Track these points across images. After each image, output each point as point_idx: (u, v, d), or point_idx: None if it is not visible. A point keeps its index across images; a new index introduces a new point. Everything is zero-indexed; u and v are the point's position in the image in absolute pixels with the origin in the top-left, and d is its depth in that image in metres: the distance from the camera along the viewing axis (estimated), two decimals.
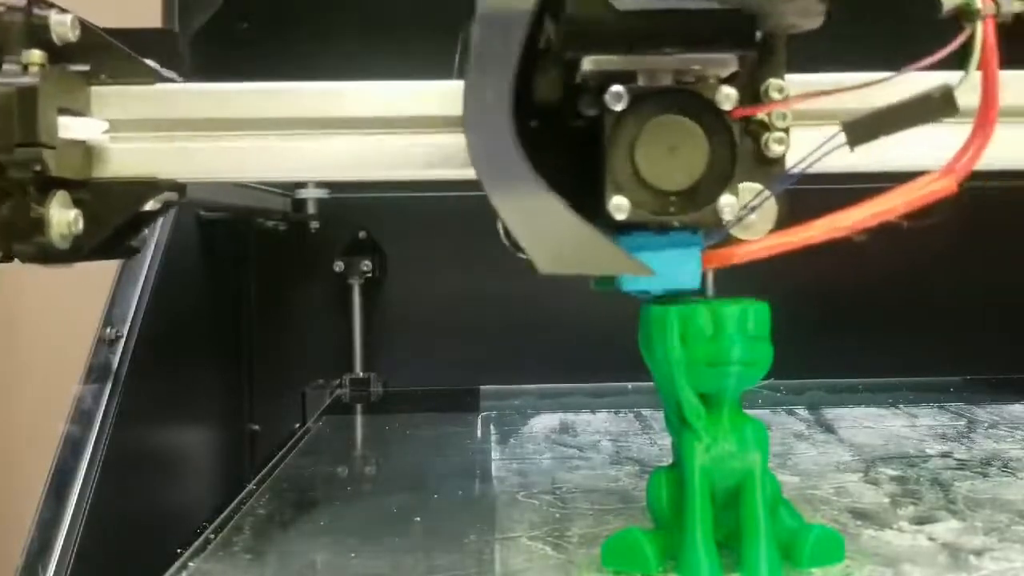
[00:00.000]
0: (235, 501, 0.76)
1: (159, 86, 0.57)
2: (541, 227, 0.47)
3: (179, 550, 0.64)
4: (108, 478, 0.83)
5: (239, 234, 1.33)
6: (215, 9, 1.20)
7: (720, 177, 0.50)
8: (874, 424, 1.02)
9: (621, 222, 0.50)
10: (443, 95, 0.57)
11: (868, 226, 0.51)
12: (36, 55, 0.51)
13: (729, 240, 0.53)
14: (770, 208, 0.53)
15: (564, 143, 0.54)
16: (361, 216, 1.34)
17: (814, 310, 1.29)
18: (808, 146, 0.51)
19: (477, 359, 1.32)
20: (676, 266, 0.52)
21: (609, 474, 0.82)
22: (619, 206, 0.49)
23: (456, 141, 0.56)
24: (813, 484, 0.77)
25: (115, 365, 0.93)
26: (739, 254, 0.53)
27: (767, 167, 0.52)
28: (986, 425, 1.01)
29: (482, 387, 1.27)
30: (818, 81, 0.53)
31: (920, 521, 0.67)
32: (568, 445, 0.95)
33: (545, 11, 0.48)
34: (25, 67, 0.51)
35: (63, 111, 0.53)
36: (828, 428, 1.00)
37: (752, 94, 0.52)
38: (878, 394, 1.19)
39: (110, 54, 0.57)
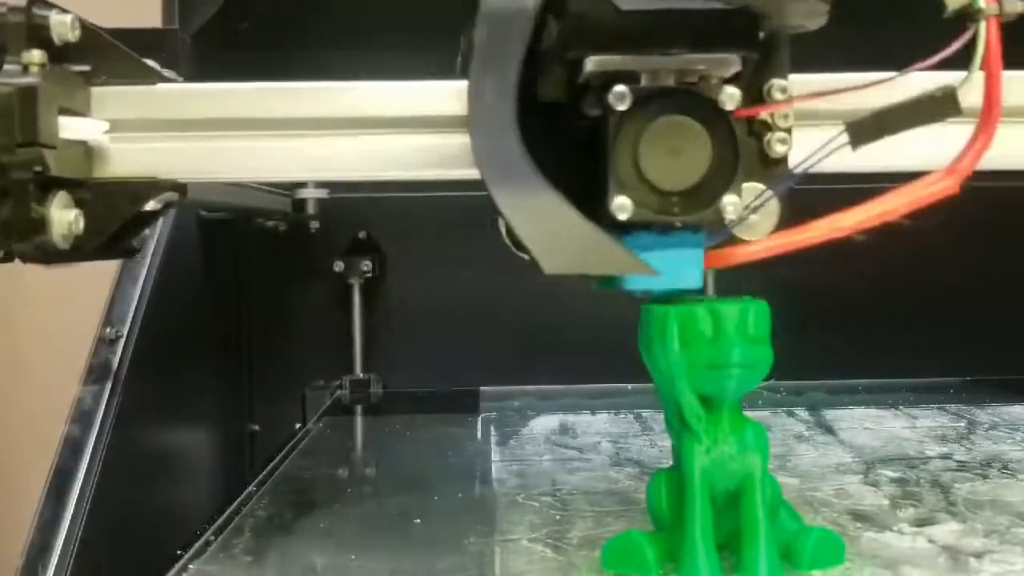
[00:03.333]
0: (235, 503, 0.76)
1: (159, 86, 0.57)
2: (546, 228, 0.47)
3: (179, 552, 0.64)
4: (108, 478, 0.83)
5: (239, 234, 1.33)
6: (215, 9, 1.20)
7: (723, 177, 0.49)
8: (874, 425, 1.02)
9: (623, 222, 0.49)
10: (447, 94, 0.56)
11: (869, 227, 0.51)
12: (36, 55, 0.51)
13: (731, 240, 0.53)
14: (772, 208, 0.53)
15: (563, 142, 0.53)
16: (361, 216, 1.34)
17: (814, 310, 1.29)
18: (811, 146, 0.51)
19: (477, 360, 1.32)
20: (679, 266, 0.51)
21: (609, 476, 0.82)
22: (622, 206, 0.49)
23: (459, 141, 0.56)
24: (813, 486, 0.77)
25: (115, 365, 0.93)
26: (740, 254, 0.53)
27: (770, 167, 0.52)
28: (986, 427, 1.00)
29: (482, 388, 1.27)
30: (821, 81, 0.53)
31: (920, 523, 0.67)
32: (568, 447, 0.95)
33: (548, 10, 0.48)
34: (25, 67, 0.50)
35: (64, 111, 0.53)
36: (828, 429, 1.00)
37: (755, 94, 0.51)
38: (878, 395, 1.19)
39: (110, 54, 0.56)
